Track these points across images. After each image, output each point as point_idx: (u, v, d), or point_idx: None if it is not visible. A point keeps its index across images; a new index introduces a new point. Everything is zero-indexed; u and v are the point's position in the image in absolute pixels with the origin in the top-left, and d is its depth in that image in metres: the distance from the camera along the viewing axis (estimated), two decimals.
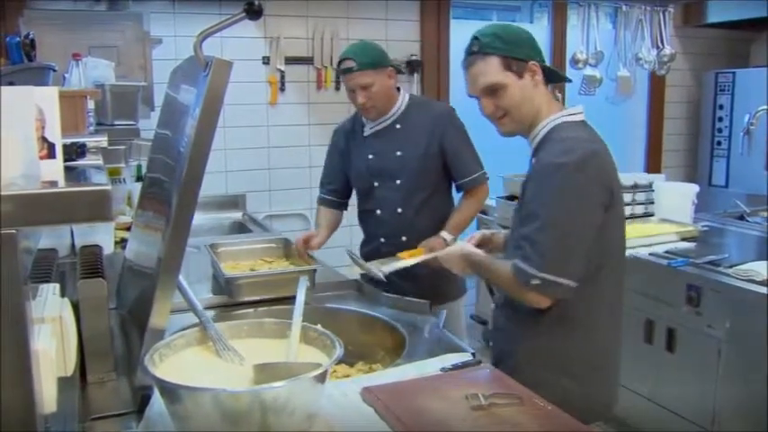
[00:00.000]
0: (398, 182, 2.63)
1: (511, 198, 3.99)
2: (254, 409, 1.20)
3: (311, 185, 4.35)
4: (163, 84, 2.04)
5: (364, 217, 2.82)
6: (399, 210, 2.64)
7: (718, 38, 5.40)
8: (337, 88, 4.28)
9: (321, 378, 1.28)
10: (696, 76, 5.39)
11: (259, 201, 4.21)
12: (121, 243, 2.75)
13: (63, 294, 1.54)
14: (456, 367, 1.63)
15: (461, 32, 4.54)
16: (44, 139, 0.87)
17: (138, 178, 3.30)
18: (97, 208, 0.72)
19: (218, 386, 1.24)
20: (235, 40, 3.93)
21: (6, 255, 0.74)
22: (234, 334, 1.49)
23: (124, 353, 1.73)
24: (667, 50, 4.29)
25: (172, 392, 1.23)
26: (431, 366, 1.65)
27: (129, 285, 1.93)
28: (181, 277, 1.54)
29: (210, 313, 2.17)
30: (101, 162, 1.01)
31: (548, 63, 1.82)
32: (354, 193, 2.86)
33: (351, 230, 4.41)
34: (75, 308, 1.54)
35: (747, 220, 3.78)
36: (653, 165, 5.33)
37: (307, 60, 4.21)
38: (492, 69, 1.72)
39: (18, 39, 1.43)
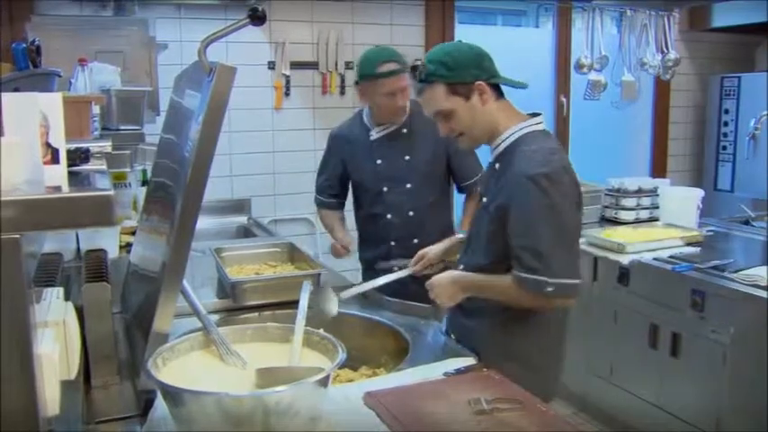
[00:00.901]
0: (408, 186, 2.67)
1: None
2: (257, 413, 1.20)
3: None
4: (168, 89, 2.05)
5: (371, 221, 2.82)
6: (411, 213, 2.68)
7: (724, 42, 5.40)
8: (342, 93, 4.30)
9: (324, 382, 1.29)
10: (701, 80, 5.38)
11: (264, 205, 4.22)
12: (126, 247, 2.76)
13: (67, 298, 1.55)
14: (459, 372, 1.64)
15: (466, 37, 4.54)
16: (48, 145, 0.88)
17: (144, 182, 3.31)
18: (101, 213, 0.73)
19: (222, 390, 1.25)
20: (240, 45, 3.94)
21: (10, 259, 0.75)
22: (237, 338, 1.49)
23: (128, 357, 1.74)
24: (672, 55, 4.28)
25: (175, 396, 1.23)
26: (434, 371, 1.65)
27: (134, 289, 1.94)
28: (185, 282, 1.55)
29: (215, 317, 2.18)
30: (105, 167, 1.02)
31: (503, 76, 1.87)
32: (352, 197, 2.87)
33: (355, 235, 4.44)
34: (80, 312, 1.56)
35: (753, 225, 3.77)
36: (658, 169, 5.32)
37: (312, 65, 4.22)
38: (438, 96, 1.80)
39: (24, 45, 1.44)
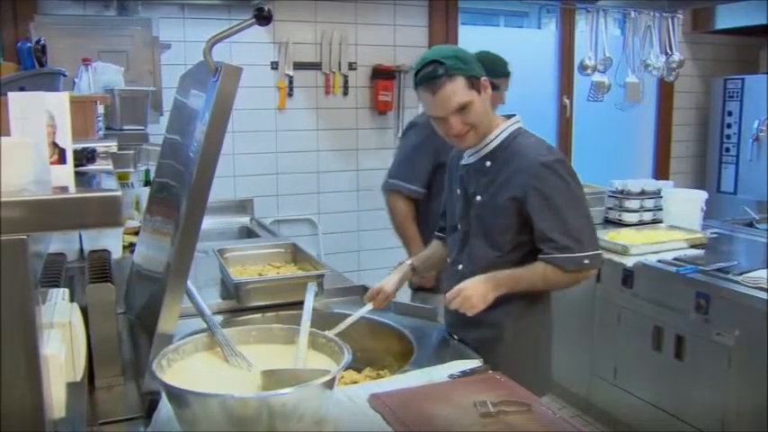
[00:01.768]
0: None
1: None
2: (261, 415, 1.20)
3: (319, 191, 4.37)
4: (172, 88, 2.04)
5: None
6: None
7: (727, 44, 5.38)
8: (345, 93, 4.29)
9: (329, 384, 1.28)
10: (705, 82, 5.37)
11: (267, 206, 4.21)
12: (129, 247, 2.75)
13: (72, 299, 1.55)
14: (464, 374, 1.63)
15: (469, 38, 4.54)
16: (55, 145, 0.87)
17: (146, 183, 3.30)
18: (108, 213, 0.72)
19: (226, 392, 1.24)
20: (243, 45, 3.93)
21: (17, 260, 0.74)
22: (242, 339, 1.49)
23: (132, 357, 1.73)
24: (676, 57, 4.27)
25: (179, 398, 1.23)
26: (438, 373, 1.64)
27: (138, 290, 1.93)
28: (189, 283, 1.54)
29: (219, 318, 2.18)
30: (111, 167, 1.01)
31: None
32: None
33: (359, 235, 4.45)
34: (84, 312, 1.55)
35: (756, 227, 3.76)
36: (661, 171, 5.31)
37: (315, 66, 4.21)
38: (460, 89, 1.83)
39: (29, 44, 1.43)
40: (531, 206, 1.84)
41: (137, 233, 2.57)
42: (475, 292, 1.83)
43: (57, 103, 0.87)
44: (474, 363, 1.71)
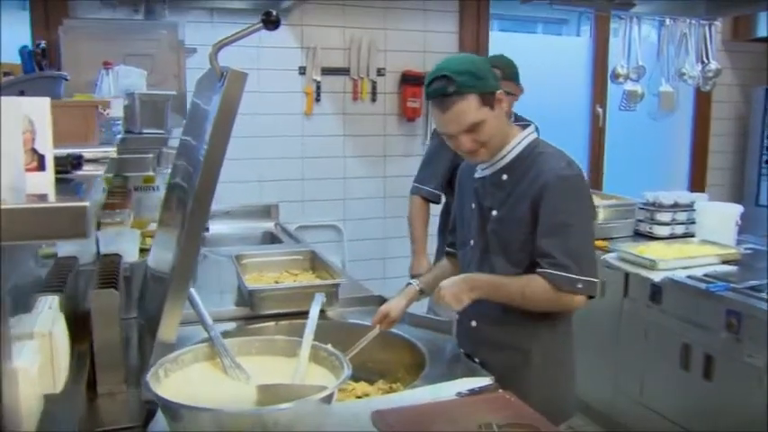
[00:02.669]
0: None
1: None
2: (255, 430, 1.16)
3: (344, 197, 4.34)
4: None
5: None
6: None
7: None
8: (373, 100, 4.26)
9: (327, 401, 1.24)
10: (744, 91, 5.21)
11: (292, 211, 4.19)
12: (148, 251, 2.75)
13: (78, 304, 1.54)
14: (472, 392, 1.57)
15: (501, 45, 4.48)
16: (34, 151, 0.85)
17: None
18: (74, 225, 0.69)
19: (221, 405, 1.21)
20: (271, 51, 3.94)
21: None
22: (244, 350, 1.46)
23: (139, 363, 1.72)
24: (713, 65, 4.14)
25: (171, 410, 1.20)
26: (446, 390, 1.60)
27: (150, 294, 1.92)
28: (193, 290, 1.52)
29: (232, 325, 2.16)
30: (101, 173, 0.99)
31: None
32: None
33: (385, 243, 4.41)
34: (88, 318, 1.54)
35: None
36: (697, 183, 5.16)
37: (343, 71, 4.19)
38: (472, 108, 1.74)
39: (29, 48, 1.43)
40: (540, 217, 1.76)
41: None
42: (448, 292, 1.79)
43: (36, 108, 0.84)
44: (484, 381, 1.66)
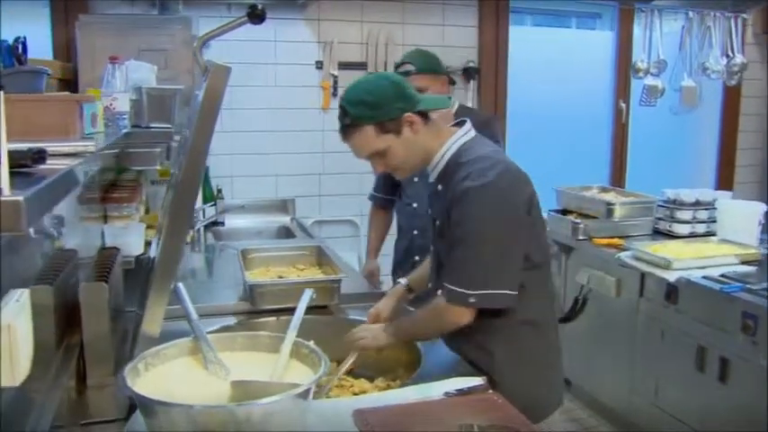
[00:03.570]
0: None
1: (563, 212, 3.83)
2: (227, 426, 1.16)
3: (362, 192, 4.31)
4: None
5: (401, 209, 2.96)
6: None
7: None
8: None
9: (303, 397, 1.23)
10: None
11: (309, 206, 4.20)
12: None
13: (70, 298, 1.55)
14: (461, 392, 1.55)
15: (519, 39, 4.42)
16: None
17: None
18: (7, 219, 0.69)
19: (196, 401, 1.21)
20: (288, 45, 3.95)
21: None
22: (226, 346, 1.45)
23: (131, 356, 1.72)
24: (738, 59, 4.02)
25: (146, 406, 1.20)
26: (435, 390, 1.57)
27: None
28: (181, 284, 1.52)
29: (233, 320, 2.16)
30: (67, 167, 0.99)
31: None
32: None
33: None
34: (78, 311, 1.55)
35: None
36: (724, 180, 5.04)
37: (360, 65, 4.16)
38: (369, 139, 1.70)
39: (8, 42, 1.44)
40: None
41: None
42: (370, 333, 1.84)
43: None
44: (476, 381, 1.63)
